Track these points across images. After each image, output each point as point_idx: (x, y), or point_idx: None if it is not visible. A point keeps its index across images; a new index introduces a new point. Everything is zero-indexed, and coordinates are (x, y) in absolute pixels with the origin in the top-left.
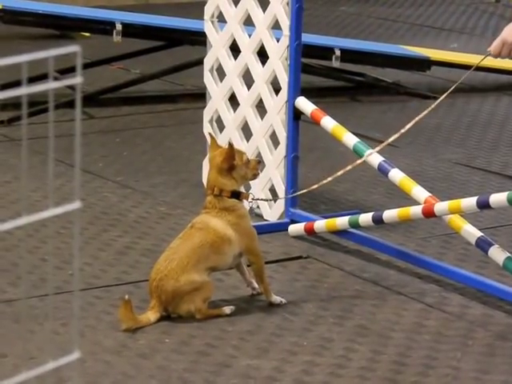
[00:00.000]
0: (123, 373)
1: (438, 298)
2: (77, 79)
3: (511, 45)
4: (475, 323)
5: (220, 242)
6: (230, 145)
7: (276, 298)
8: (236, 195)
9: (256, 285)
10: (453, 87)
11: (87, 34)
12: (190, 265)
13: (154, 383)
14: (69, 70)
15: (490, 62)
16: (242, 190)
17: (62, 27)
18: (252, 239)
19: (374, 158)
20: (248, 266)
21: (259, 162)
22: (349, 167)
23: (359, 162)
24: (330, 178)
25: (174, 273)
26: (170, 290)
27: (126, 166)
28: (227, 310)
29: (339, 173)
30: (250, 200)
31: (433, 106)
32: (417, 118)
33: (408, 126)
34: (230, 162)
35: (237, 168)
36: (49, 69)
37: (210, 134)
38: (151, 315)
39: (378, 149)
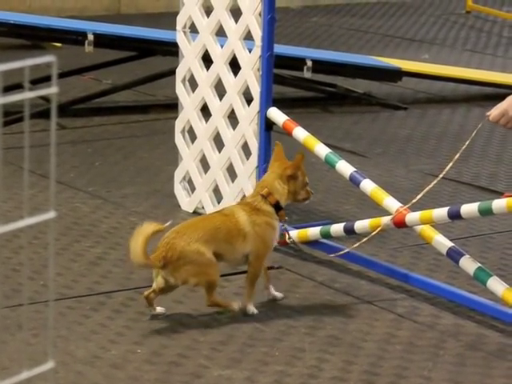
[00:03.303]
0: (95, 383)
1: (409, 308)
2: (52, 89)
3: (511, 118)
4: (446, 333)
5: (235, 233)
6: (302, 155)
7: (250, 308)
8: (277, 207)
9: (272, 291)
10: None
11: (58, 44)
12: (203, 239)
13: None
14: (40, 81)
15: (461, 72)
16: None
17: (34, 37)
18: (265, 247)
19: (346, 168)
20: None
21: (312, 193)
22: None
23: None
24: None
25: (187, 237)
26: (179, 250)
27: (97, 176)
28: (235, 305)
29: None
30: (282, 223)
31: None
32: (470, 139)
33: (464, 147)
34: (296, 171)
35: (296, 181)
36: (25, 78)
37: (277, 143)
38: (154, 261)
39: (434, 182)
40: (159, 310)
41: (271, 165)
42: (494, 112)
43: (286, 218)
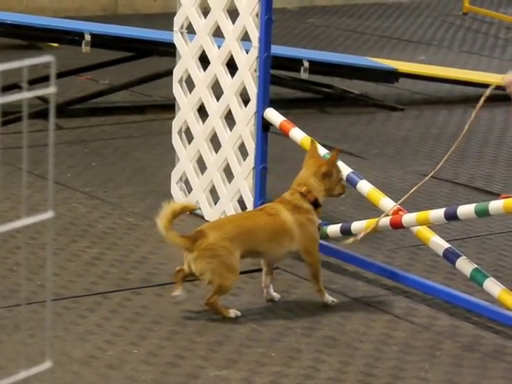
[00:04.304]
0: None
1: (405, 309)
2: (51, 89)
3: None
4: (443, 334)
5: (282, 233)
6: (337, 151)
7: (328, 298)
8: (316, 204)
9: (271, 291)
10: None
11: (55, 45)
12: (238, 239)
13: None
14: (37, 81)
15: (457, 74)
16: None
17: (31, 37)
18: (313, 242)
19: (342, 169)
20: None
21: (346, 187)
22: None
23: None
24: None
25: (223, 232)
26: (210, 241)
27: (94, 176)
28: (232, 313)
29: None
30: (319, 220)
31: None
32: (463, 132)
33: (458, 140)
34: (330, 168)
35: (332, 178)
36: (23, 79)
37: (311, 140)
38: (180, 238)
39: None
40: (178, 292)
41: (306, 162)
42: (509, 78)
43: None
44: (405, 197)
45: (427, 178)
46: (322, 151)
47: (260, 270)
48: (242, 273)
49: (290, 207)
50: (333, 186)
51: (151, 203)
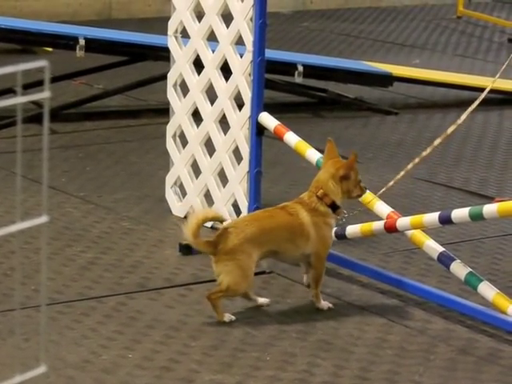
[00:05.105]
0: None
1: (400, 313)
2: (45, 94)
3: None
4: (437, 338)
5: (300, 234)
6: (355, 154)
7: (324, 304)
8: (334, 207)
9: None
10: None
11: (49, 49)
12: (260, 244)
13: None
14: (31, 86)
15: (452, 77)
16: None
17: (25, 42)
18: (325, 247)
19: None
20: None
21: (366, 188)
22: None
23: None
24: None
25: (243, 235)
26: (230, 246)
27: (88, 181)
28: (227, 317)
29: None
30: (339, 217)
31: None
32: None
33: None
34: (348, 171)
35: (349, 181)
36: (17, 83)
37: (329, 139)
38: (204, 244)
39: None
40: (262, 301)
41: (324, 162)
42: None
43: (345, 211)
44: (382, 190)
45: (402, 173)
46: (317, 155)
47: (256, 274)
48: None
49: (308, 209)
50: (351, 189)
51: (146, 207)
